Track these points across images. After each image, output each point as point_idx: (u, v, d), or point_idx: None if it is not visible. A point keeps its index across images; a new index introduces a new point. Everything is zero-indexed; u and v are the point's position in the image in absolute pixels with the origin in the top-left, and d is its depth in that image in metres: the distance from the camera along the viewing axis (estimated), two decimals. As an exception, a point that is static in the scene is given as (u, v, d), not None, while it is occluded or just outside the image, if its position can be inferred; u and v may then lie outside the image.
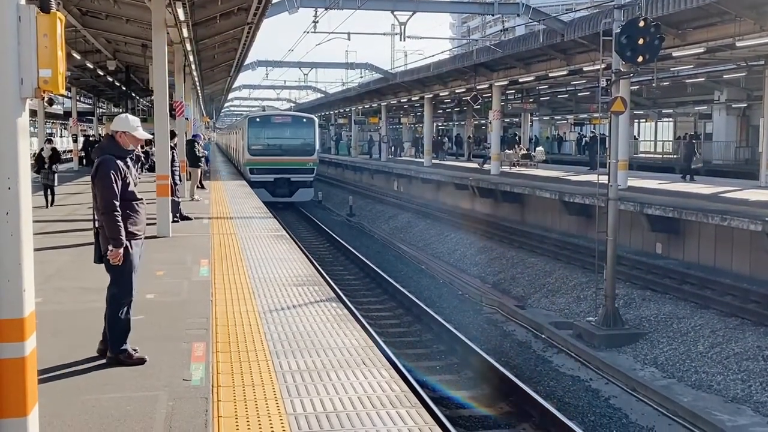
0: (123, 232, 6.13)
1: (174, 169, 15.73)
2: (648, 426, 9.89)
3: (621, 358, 12.77)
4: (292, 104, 73.44)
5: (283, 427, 5.09)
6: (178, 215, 15.81)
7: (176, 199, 15.71)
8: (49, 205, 18.55)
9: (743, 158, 38.68)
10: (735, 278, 15.82)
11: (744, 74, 30.44)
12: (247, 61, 35.70)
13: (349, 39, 34.80)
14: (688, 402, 10.46)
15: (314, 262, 18.86)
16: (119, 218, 6.11)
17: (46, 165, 18.71)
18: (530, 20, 24.87)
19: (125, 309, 6.31)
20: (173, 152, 16.04)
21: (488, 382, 11.09)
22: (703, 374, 11.68)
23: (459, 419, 9.71)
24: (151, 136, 8.11)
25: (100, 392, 5.69)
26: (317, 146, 34.43)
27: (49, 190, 18.77)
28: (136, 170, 6.78)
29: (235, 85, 51.30)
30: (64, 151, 44.02)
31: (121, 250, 6.11)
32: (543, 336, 14.08)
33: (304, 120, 34.54)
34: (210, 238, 13.68)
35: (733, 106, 38.85)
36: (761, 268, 15.76)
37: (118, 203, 6.12)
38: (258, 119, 34.79)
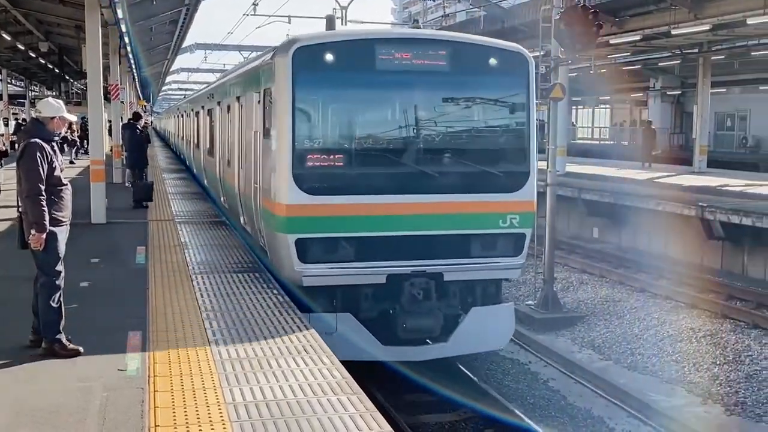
0: (47, 217, 5.98)
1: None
2: (585, 407, 10.05)
3: (559, 341, 12.95)
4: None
5: (221, 416, 5.00)
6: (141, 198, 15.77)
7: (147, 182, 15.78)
8: None
9: (677, 144, 39.63)
10: (669, 262, 16.20)
11: (678, 62, 31.12)
12: (186, 44, 35.16)
13: (289, 22, 34.46)
14: (624, 383, 10.67)
15: (254, 248, 18.56)
16: (44, 203, 5.97)
17: None
18: (471, 6, 25.00)
19: (56, 296, 6.14)
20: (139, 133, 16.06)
21: (430, 369, 11.11)
22: (638, 356, 11.92)
23: (403, 406, 9.71)
24: (75, 118, 7.98)
25: (32, 384, 5.53)
26: (535, 151, 9.30)
27: None
28: (73, 155, 6.66)
29: (173, 68, 50.48)
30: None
31: (44, 236, 5.96)
32: (484, 320, 14.17)
33: (495, 59, 8.95)
34: (147, 224, 13.39)
35: (668, 93, 39.72)
36: (694, 252, 16.17)
37: (43, 187, 5.98)
38: (333, 49, 8.43)
